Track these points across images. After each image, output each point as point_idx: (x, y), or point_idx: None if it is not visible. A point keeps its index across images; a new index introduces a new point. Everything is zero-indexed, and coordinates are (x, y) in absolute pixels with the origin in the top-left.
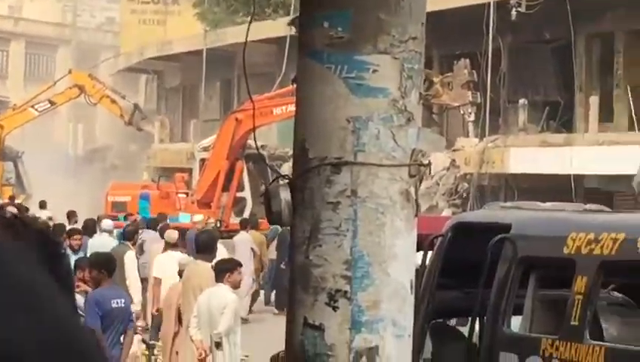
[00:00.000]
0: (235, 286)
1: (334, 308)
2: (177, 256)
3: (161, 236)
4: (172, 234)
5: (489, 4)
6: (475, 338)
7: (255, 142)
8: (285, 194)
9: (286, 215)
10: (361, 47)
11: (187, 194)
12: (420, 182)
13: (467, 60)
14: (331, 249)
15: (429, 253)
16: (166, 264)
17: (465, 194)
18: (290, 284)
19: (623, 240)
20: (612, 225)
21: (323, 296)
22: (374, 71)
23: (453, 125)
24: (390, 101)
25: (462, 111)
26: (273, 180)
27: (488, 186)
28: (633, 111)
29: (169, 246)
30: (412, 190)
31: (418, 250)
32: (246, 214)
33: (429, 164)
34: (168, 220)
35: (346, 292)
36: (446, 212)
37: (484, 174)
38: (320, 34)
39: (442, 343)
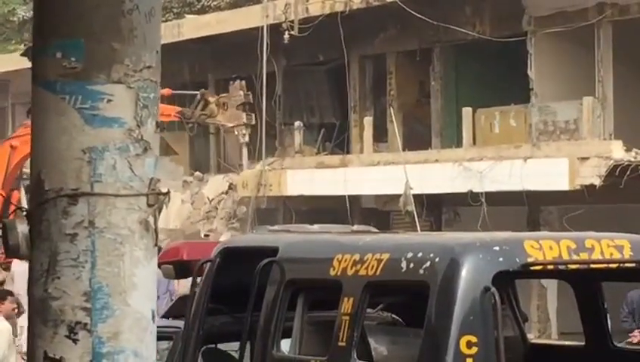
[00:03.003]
0: (7, 315)
1: (74, 341)
2: None
3: None
4: None
5: (262, 27)
6: None
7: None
8: (22, 227)
9: (24, 248)
10: (95, 77)
11: None
12: (160, 211)
13: (242, 82)
14: (70, 281)
15: (199, 278)
16: None
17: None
18: (29, 318)
19: (387, 260)
20: (377, 246)
21: (63, 328)
22: (109, 101)
23: (229, 149)
24: (126, 131)
25: (236, 132)
26: (11, 212)
27: (267, 209)
28: (403, 131)
29: None
30: (151, 219)
31: (188, 276)
32: None
33: (168, 192)
34: None
35: (85, 324)
36: (225, 236)
37: (262, 197)
38: (53, 64)
39: None
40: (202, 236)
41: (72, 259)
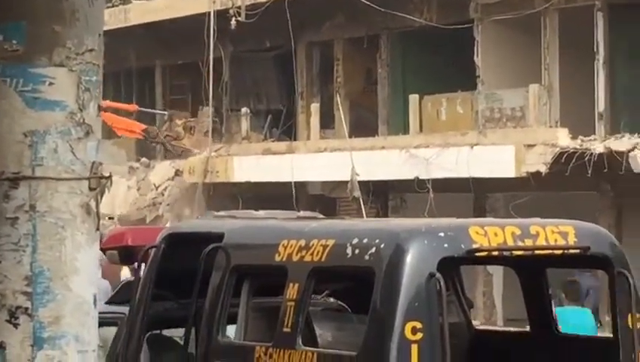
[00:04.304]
0: None
1: (15, 325)
2: None
3: None
4: None
5: (209, 13)
6: (192, 348)
7: None
8: None
9: None
10: (37, 60)
11: None
12: (102, 195)
13: (210, 108)
14: (10, 265)
15: (144, 264)
16: None
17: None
18: None
19: (333, 246)
20: (322, 232)
21: (3, 313)
22: (50, 84)
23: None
24: (68, 114)
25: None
26: None
27: (214, 195)
28: (350, 118)
29: None
30: (93, 203)
31: (133, 262)
32: None
33: (110, 176)
34: None
35: (26, 308)
36: (171, 223)
37: (209, 184)
38: None
39: (159, 354)
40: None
41: (13, 243)
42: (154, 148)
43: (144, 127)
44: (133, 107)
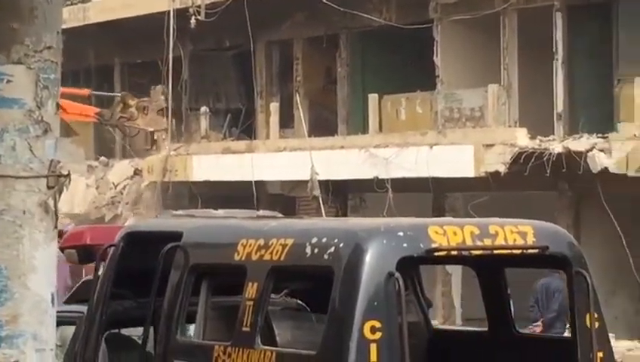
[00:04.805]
0: None
1: None
2: None
3: None
4: None
5: (168, 12)
6: (151, 347)
7: None
8: None
9: None
10: None
11: None
12: (60, 194)
13: (164, 87)
14: None
15: (103, 263)
16: None
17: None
18: None
19: (292, 246)
20: (282, 231)
21: None
22: (8, 81)
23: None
24: (26, 112)
25: (155, 137)
26: None
27: (172, 194)
28: (309, 117)
29: None
30: (51, 201)
31: (92, 261)
32: None
33: (69, 174)
34: None
35: None
36: (130, 222)
37: (168, 183)
38: None
39: (117, 353)
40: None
41: None
42: (113, 147)
43: (97, 110)
44: (86, 91)
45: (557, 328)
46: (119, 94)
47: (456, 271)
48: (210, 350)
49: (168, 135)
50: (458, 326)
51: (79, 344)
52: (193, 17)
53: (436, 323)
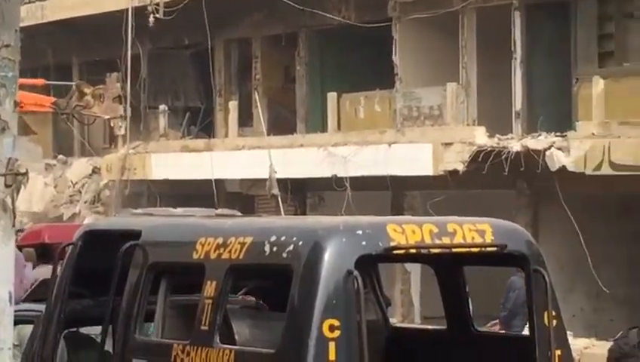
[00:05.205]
0: None
1: None
2: None
3: None
4: None
5: (127, 10)
6: (109, 346)
7: None
8: None
9: None
10: None
11: None
12: (18, 192)
13: (119, 74)
14: None
15: (61, 261)
16: None
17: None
18: None
19: (251, 244)
20: (240, 230)
21: None
22: None
23: (94, 133)
24: None
25: (112, 124)
26: None
27: (131, 193)
28: (268, 115)
29: None
30: (9, 200)
31: (50, 260)
32: None
33: (26, 173)
34: None
35: None
36: (88, 220)
37: (126, 181)
38: None
39: (75, 352)
40: None
41: None
42: (71, 145)
43: (53, 99)
44: (41, 81)
45: (516, 326)
46: (74, 83)
47: (415, 269)
48: (168, 349)
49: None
50: (417, 324)
51: (37, 343)
52: (152, 15)
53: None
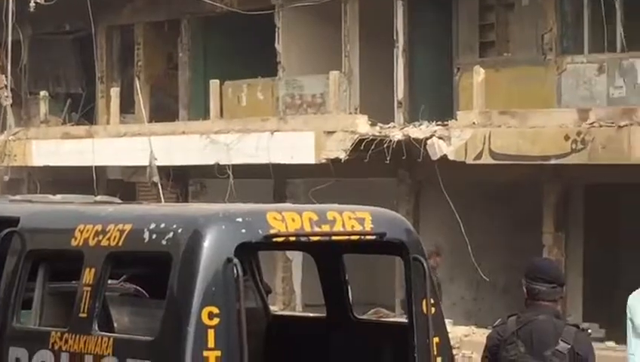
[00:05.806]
0: None
1: None
2: None
3: None
4: None
5: None
6: None
7: None
8: None
9: None
10: None
11: None
12: None
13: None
14: None
15: None
16: None
17: None
18: None
19: (130, 231)
20: (119, 217)
21: None
22: None
23: None
24: None
25: None
26: None
27: (11, 180)
28: (150, 102)
29: None
30: None
31: None
32: None
33: None
34: None
35: None
36: None
37: (6, 167)
38: None
39: None
40: None
41: None
42: None
43: None
44: None
45: None
46: None
47: (296, 257)
48: (46, 336)
49: (8, 119)
50: (298, 312)
51: None
52: (33, 1)
53: (276, 309)
